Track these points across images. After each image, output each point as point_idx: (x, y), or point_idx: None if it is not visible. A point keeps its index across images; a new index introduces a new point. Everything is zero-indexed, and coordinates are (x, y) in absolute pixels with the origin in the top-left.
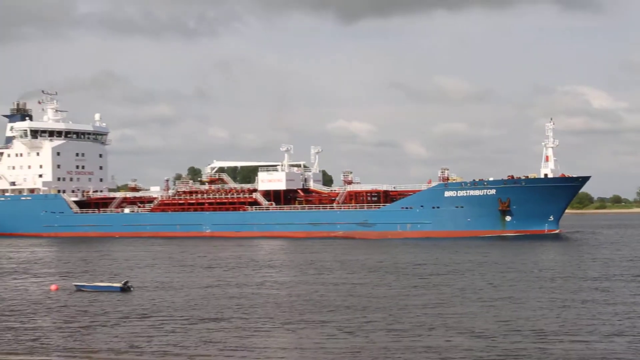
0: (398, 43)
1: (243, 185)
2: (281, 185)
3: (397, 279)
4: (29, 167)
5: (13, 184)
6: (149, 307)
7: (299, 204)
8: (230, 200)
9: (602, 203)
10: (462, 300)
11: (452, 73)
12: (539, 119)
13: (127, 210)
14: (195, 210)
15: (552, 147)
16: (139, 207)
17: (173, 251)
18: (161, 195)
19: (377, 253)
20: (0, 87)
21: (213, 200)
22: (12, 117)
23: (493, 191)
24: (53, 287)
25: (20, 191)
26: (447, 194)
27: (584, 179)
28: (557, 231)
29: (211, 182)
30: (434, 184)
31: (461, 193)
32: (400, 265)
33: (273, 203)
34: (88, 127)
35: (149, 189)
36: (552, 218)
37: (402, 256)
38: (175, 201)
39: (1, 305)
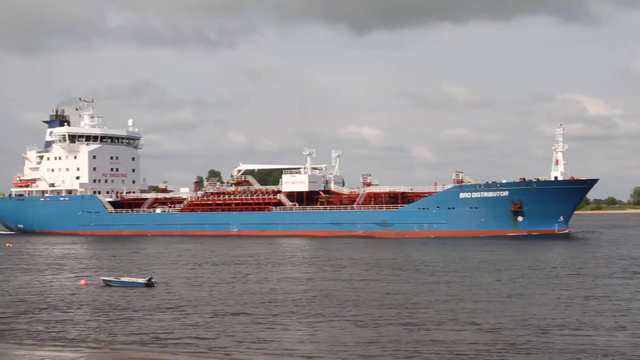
0: (406, 53)
1: (268, 186)
2: (304, 187)
3: (413, 275)
4: (67, 170)
5: (52, 185)
6: (171, 301)
7: (321, 205)
8: (255, 201)
9: (598, 204)
10: (473, 296)
11: (457, 81)
12: (538, 125)
13: (158, 210)
14: (223, 210)
15: (562, 152)
16: (170, 207)
17: (198, 249)
18: (190, 196)
19: (396, 251)
20: (32, 94)
21: (239, 201)
22: (51, 123)
23: (506, 193)
24: (82, 282)
25: (58, 192)
26: (462, 195)
27: (592, 182)
28: (566, 231)
29: (237, 184)
30: (448, 186)
31: (475, 194)
32: (416, 263)
33: (296, 204)
34: (122, 132)
35: (178, 190)
36: (561, 218)
37: (418, 254)
38: (204, 202)
39: (35, 299)
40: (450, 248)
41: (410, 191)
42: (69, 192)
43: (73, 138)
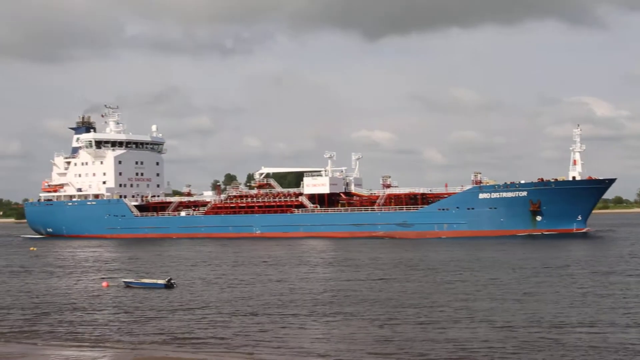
0: (417, 58)
1: (289, 189)
2: (325, 189)
3: (430, 274)
4: (93, 175)
5: (79, 190)
6: (190, 301)
7: (342, 207)
8: (278, 204)
9: (605, 204)
10: (491, 294)
11: (466, 85)
12: (546, 127)
13: (183, 214)
14: (246, 213)
15: (579, 152)
16: (194, 210)
17: (220, 250)
18: (214, 200)
19: (417, 251)
20: (55, 103)
21: (262, 204)
22: (77, 130)
23: (524, 193)
24: (104, 283)
25: (85, 196)
26: (482, 195)
27: (610, 181)
28: (585, 230)
29: (260, 186)
30: (467, 186)
31: (494, 195)
32: (438, 262)
33: (318, 206)
34: (146, 138)
35: (202, 194)
36: (580, 218)
37: (439, 254)
38: (227, 205)
39: (59, 300)
40: (471, 248)
41: (429, 192)
42: (96, 196)
43: (99, 144)
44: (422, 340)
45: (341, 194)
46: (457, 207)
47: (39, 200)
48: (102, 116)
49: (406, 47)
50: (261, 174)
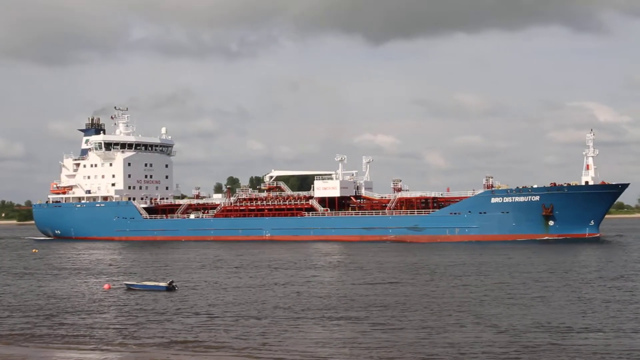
0: (420, 63)
1: (300, 192)
2: (336, 193)
3: (439, 279)
4: (102, 177)
5: (88, 192)
6: (191, 304)
7: (352, 210)
8: (288, 207)
9: None
10: (501, 298)
11: (470, 90)
12: (549, 132)
13: (192, 216)
14: (256, 216)
15: (592, 157)
16: (203, 213)
17: (227, 253)
18: (224, 202)
19: (429, 255)
20: (60, 105)
21: (272, 207)
22: (87, 131)
23: (537, 197)
24: (106, 286)
25: (94, 199)
26: (494, 200)
27: (624, 186)
28: (597, 235)
29: (269, 189)
30: (479, 190)
31: (507, 199)
32: (450, 266)
33: (328, 209)
34: (155, 140)
35: (211, 196)
36: (592, 222)
37: (451, 258)
38: (237, 207)
39: (60, 303)
40: (485, 252)
41: (441, 196)
42: (105, 198)
43: (109, 146)
44: (425, 345)
45: (352, 198)
46: (469, 212)
47: (47, 202)
48: (112, 118)
49: (410, 51)
50: (271, 176)
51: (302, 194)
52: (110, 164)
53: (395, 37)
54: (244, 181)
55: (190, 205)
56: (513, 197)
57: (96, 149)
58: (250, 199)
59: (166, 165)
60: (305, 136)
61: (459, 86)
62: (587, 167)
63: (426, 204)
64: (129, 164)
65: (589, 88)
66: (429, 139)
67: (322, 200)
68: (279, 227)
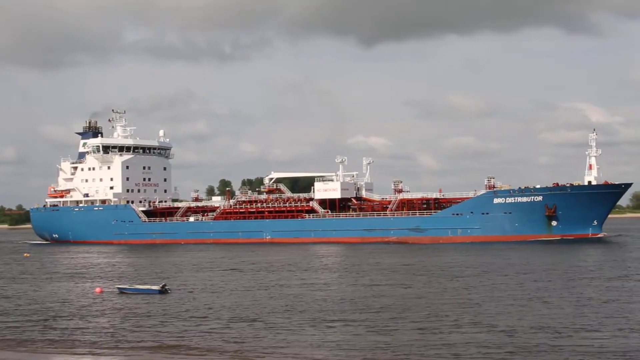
0: (413, 64)
1: (300, 194)
2: (336, 194)
3: (441, 280)
4: (100, 180)
5: (86, 195)
6: (184, 307)
7: (353, 212)
8: (288, 209)
9: None
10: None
11: (462, 91)
12: (542, 133)
13: (192, 219)
14: (256, 218)
15: (595, 157)
16: (202, 216)
17: (226, 256)
18: (223, 205)
19: (431, 256)
20: (52, 108)
21: (272, 209)
22: (84, 135)
23: (540, 198)
24: (97, 289)
25: (92, 202)
26: (496, 200)
27: (627, 186)
28: (600, 235)
29: (269, 192)
30: (481, 191)
31: (509, 200)
32: (453, 267)
33: (329, 211)
34: (153, 143)
35: (210, 199)
36: (595, 222)
37: (455, 260)
38: (237, 210)
39: (52, 306)
40: (489, 253)
41: (442, 197)
42: (103, 201)
43: (106, 149)
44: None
45: (352, 199)
46: (472, 212)
47: (44, 205)
48: (109, 121)
49: (402, 53)
50: (271, 179)
51: (303, 195)
52: (109, 167)
53: (387, 39)
54: (236, 184)
55: (189, 207)
56: (516, 198)
57: (94, 152)
58: (250, 201)
59: (164, 168)
60: (299, 138)
61: (452, 87)
62: (590, 167)
63: (427, 205)
64: (127, 167)
65: (581, 89)
66: (421, 141)
67: (323, 202)
68: (279, 229)
